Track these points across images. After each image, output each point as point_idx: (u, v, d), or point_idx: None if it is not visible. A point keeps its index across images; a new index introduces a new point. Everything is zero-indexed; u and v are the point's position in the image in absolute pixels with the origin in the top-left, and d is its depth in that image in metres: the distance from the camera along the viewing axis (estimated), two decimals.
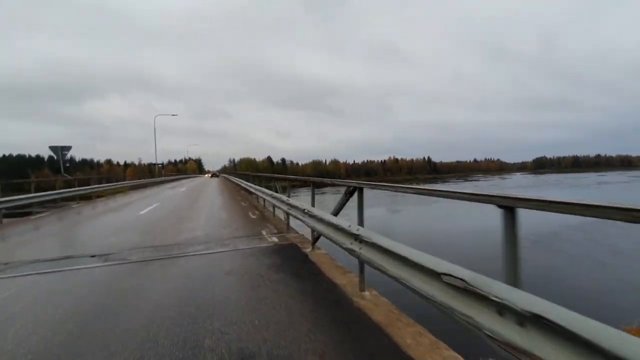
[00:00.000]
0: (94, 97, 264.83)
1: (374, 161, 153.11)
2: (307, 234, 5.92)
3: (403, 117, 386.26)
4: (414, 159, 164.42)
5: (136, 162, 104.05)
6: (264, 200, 9.96)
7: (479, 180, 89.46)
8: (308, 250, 5.33)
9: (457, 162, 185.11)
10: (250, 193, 13.98)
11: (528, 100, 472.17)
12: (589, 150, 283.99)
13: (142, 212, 10.69)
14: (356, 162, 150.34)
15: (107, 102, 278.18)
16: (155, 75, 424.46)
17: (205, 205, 12.45)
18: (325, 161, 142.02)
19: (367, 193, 3.64)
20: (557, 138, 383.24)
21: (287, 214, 6.44)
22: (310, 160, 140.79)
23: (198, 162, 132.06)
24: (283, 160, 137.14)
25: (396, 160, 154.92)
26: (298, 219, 5.14)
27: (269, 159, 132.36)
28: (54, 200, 13.63)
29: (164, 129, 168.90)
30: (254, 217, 9.25)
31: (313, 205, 5.11)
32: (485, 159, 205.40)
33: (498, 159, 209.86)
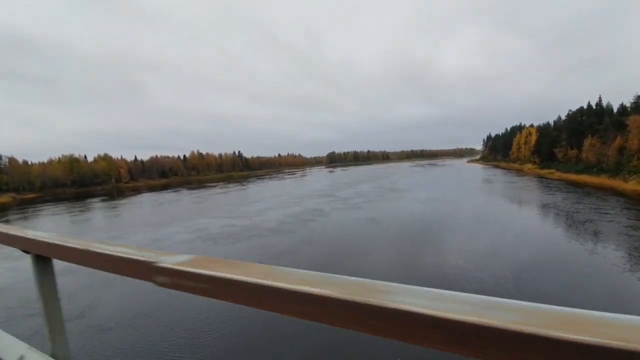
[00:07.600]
0: None
1: (169, 157, 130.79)
2: None
3: (163, 100, 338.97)
4: (223, 154, 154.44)
5: None
6: None
7: (306, 176, 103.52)
8: None
9: (259, 157, 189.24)
10: None
11: (303, 98, 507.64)
12: (354, 147, 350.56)
13: None
14: (140, 158, 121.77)
15: None
16: None
17: None
18: (86, 156, 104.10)
19: None
20: (332, 136, 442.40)
21: None
22: (56, 157, 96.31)
23: None
24: None
25: (201, 155, 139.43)
26: None
27: None
28: None
29: None
30: None
31: None
32: (288, 154, 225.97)
33: (299, 154, 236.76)
